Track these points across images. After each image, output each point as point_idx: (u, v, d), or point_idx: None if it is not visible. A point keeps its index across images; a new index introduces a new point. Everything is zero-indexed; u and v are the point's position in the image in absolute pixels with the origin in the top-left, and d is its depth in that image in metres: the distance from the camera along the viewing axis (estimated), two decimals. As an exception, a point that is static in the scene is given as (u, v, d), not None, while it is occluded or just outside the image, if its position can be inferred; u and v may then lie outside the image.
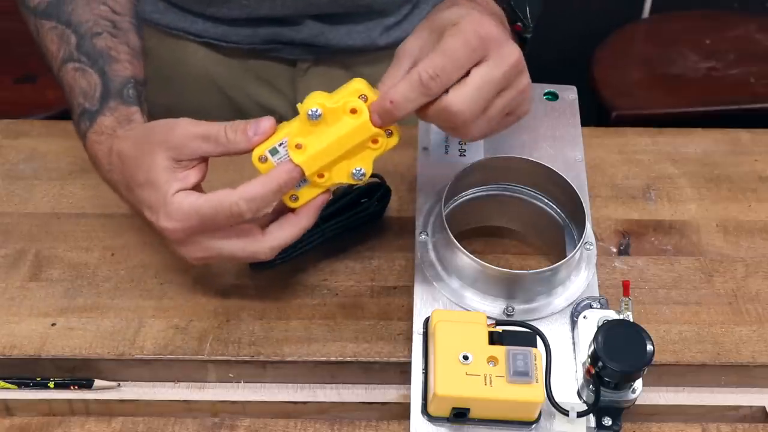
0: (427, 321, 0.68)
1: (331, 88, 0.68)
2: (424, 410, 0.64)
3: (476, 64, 0.63)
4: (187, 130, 0.66)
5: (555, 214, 0.76)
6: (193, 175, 0.66)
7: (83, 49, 0.74)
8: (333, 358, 0.71)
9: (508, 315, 0.69)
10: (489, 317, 0.66)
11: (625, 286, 0.68)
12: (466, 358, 0.62)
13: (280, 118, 0.89)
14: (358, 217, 0.79)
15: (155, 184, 0.66)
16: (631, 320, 0.66)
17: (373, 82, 0.66)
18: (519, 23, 0.72)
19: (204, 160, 0.67)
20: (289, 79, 1.00)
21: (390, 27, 0.97)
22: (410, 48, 0.65)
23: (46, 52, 0.76)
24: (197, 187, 0.67)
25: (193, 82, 1.00)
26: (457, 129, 0.64)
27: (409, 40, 0.66)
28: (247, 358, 0.71)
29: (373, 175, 0.77)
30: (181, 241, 0.67)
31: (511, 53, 0.63)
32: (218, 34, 0.96)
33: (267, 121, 0.65)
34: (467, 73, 0.63)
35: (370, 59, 0.98)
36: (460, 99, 0.62)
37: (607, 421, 0.64)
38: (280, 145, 0.65)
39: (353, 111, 0.64)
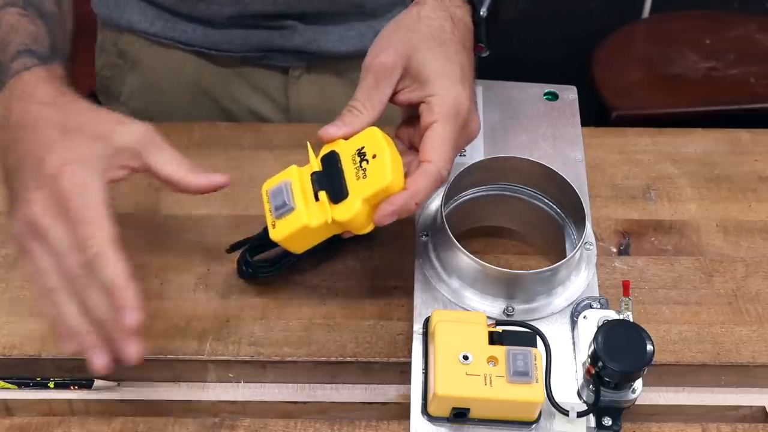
0: (427, 321, 0.67)
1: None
2: (424, 410, 0.64)
3: None
4: (154, 135, 0.64)
5: (555, 214, 0.76)
6: (117, 175, 0.64)
7: (30, 2, 0.72)
8: (333, 358, 0.71)
9: (508, 315, 0.69)
10: (489, 317, 0.66)
11: (625, 286, 0.68)
12: (466, 358, 0.62)
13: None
14: None
15: (94, 149, 0.62)
16: (631, 320, 0.66)
17: None
18: (481, 44, 0.74)
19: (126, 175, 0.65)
20: (281, 87, 0.99)
21: None
22: (389, 73, 0.67)
23: None
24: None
25: (183, 92, 1.00)
26: None
27: (385, 57, 0.67)
28: (247, 358, 0.71)
29: None
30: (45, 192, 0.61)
31: (476, 123, 0.69)
32: (209, 43, 0.95)
33: (217, 179, 0.65)
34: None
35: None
36: (448, 169, 0.66)
37: (607, 421, 0.64)
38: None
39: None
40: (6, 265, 0.78)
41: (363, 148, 0.64)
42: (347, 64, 0.98)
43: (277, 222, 0.65)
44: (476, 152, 0.79)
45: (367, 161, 0.64)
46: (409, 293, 0.72)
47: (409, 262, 0.74)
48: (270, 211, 0.66)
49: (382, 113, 0.67)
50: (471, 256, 0.68)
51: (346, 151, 0.65)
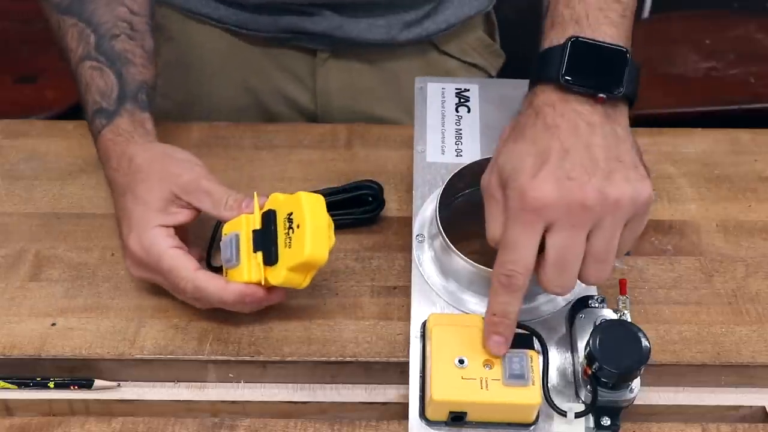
0: (424, 324, 0.67)
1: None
2: (422, 414, 0.64)
3: (546, 231, 0.59)
4: (200, 181, 0.71)
5: (554, 215, 0.76)
6: (181, 216, 0.71)
7: (102, 49, 0.78)
8: (333, 358, 0.71)
9: (507, 315, 0.69)
10: (487, 318, 0.66)
11: (622, 285, 0.68)
12: (462, 362, 0.62)
13: (300, 109, 0.98)
14: (348, 220, 0.81)
15: (147, 204, 0.70)
16: (629, 319, 0.66)
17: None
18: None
19: (198, 211, 0.72)
20: (309, 69, 1.00)
21: (411, 23, 0.97)
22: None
23: (65, 47, 0.79)
24: (181, 230, 0.72)
25: (214, 67, 1.01)
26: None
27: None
28: (247, 358, 0.71)
29: (372, 183, 0.80)
30: (132, 263, 0.72)
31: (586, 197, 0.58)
32: (239, 21, 0.97)
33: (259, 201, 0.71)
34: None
35: (389, 55, 0.98)
36: (552, 280, 0.60)
37: (606, 421, 0.64)
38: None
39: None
40: (6, 265, 0.78)
41: (291, 214, 0.67)
42: (373, 52, 0.98)
43: (228, 272, 0.70)
44: (473, 152, 0.79)
45: (293, 230, 0.66)
46: (409, 293, 0.72)
47: (408, 262, 0.74)
48: (223, 260, 0.71)
49: None
50: (466, 259, 0.68)
51: (281, 212, 0.68)
